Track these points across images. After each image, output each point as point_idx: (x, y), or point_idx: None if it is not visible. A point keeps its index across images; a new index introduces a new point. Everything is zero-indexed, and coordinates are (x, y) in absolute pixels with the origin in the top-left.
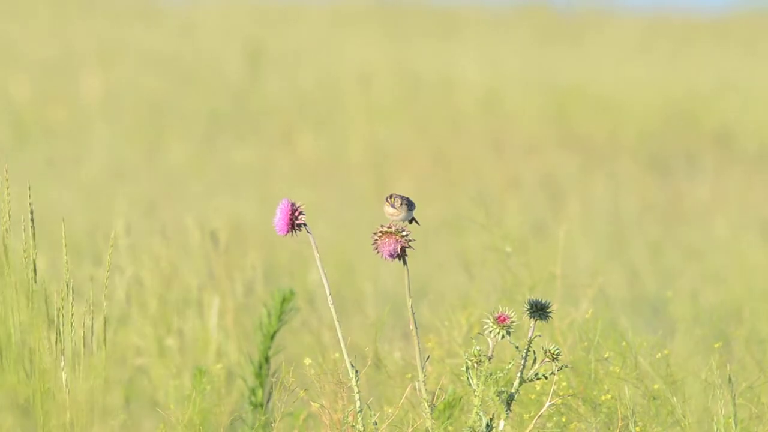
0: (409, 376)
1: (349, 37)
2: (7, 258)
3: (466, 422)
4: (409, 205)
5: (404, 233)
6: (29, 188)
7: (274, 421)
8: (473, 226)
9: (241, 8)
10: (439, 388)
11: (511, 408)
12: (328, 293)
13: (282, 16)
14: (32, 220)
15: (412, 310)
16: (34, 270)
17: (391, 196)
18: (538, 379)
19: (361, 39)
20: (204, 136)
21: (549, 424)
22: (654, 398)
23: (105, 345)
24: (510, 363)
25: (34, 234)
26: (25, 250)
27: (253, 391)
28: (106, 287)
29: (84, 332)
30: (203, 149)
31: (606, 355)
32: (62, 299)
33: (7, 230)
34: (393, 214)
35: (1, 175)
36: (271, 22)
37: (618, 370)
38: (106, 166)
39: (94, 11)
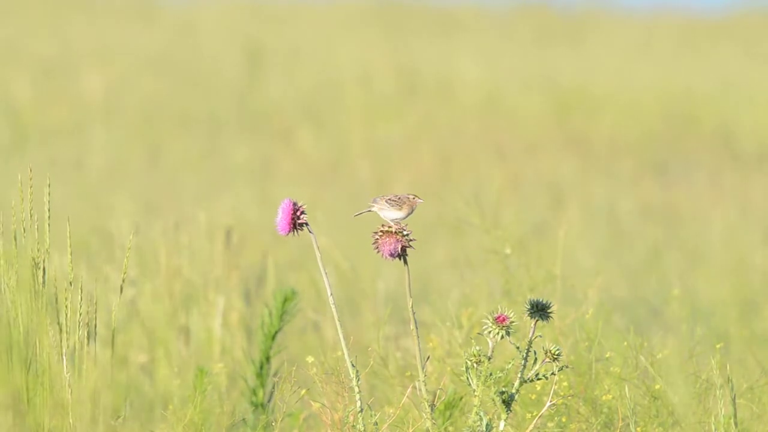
0: (409, 374)
1: (349, 37)
2: (18, 258)
3: (466, 422)
4: (395, 204)
5: (405, 233)
6: (49, 186)
7: (276, 421)
8: (474, 226)
9: (241, 8)
10: (440, 388)
11: (511, 408)
12: (329, 293)
13: (282, 16)
14: (49, 218)
15: (412, 310)
16: (44, 270)
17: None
18: (538, 379)
19: (361, 39)
20: (204, 136)
21: (550, 424)
22: (655, 398)
23: (113, 346)
24: (510, 363)
25: (48, 234)
26: (37, 250)
27: (254, 391)
28: (122, 290)
29: (88, 332)
30: (203, 149)
31: (607, 356)
32: (67, 298)
33: (24, 230)
34: (383, 210)
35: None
36: (271, 22)
37: (619, 371)
38: (107, 165)
39: (94, 11)
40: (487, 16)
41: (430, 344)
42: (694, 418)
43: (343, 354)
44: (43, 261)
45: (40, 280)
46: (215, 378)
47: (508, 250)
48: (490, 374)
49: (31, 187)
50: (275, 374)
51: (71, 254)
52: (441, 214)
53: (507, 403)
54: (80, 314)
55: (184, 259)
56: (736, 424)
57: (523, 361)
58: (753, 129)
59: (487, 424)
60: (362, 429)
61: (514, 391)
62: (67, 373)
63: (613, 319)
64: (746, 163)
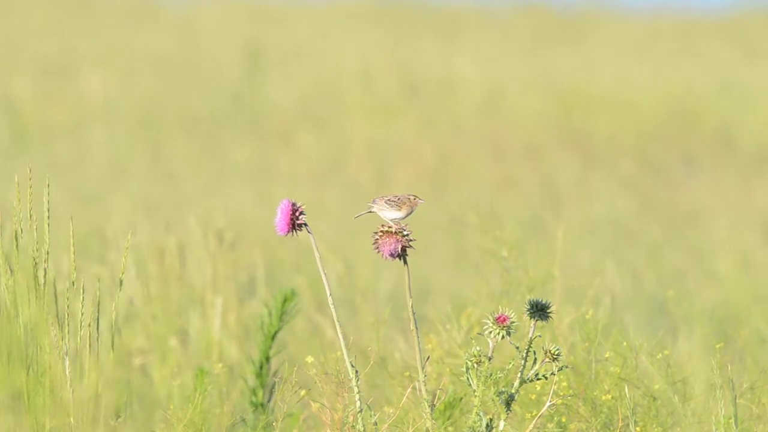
0: (408, 374)
1: (349, 37)
2: (18, 258)
3: (466, 422)
4: (394, 204)
5: (405, 233)
6: (48, 186)
7: (276, 422)
8: (473, 227)
9: (241, 8)
10: (440, 389)
11: (511, 408)
12: (328, 293)
13: (282, 16)
14: (48, 218)
15: (412, 310)
16: (44, 270)
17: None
18: (538, 379)
19: (361, 39)
20: (204, 136)
21: (549, 425)
22: (654, 399)
23: (113, 348)
24: (510, 363)
25: (47, 234)
26: (37, 250)
27: (253, 392)
28: (120, 289)
29: (90, 332)
30: (203, 149)
31: (606, 356)
32: (68, 299)
33: (21, 230)
34: (383, 210)
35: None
36: (271, 22)
37: (618, 371)
38: (107, 165)
39: (94, 11)
40: (487, 16)
41: (429, 345)
42: (694, 418)
43: (343, 354)
44: (44, 261)
45: (41, 280)
46: (215, 378)
47: (504, 253)
48: (490, 374)
49: (30, 187)
50: (275, 374)
51: (74, 254)
52: (440, 214)
53: (507, 403)
54: (81, 315)
55: (183, 260)
56: (736, 424)
57: (522, 362)
58: (753, 129)
59: (487, 424)
60: (362, 429)
61: (513, 391)
62: (67, 373)
63: (613, 319)
64: (746, 163)
